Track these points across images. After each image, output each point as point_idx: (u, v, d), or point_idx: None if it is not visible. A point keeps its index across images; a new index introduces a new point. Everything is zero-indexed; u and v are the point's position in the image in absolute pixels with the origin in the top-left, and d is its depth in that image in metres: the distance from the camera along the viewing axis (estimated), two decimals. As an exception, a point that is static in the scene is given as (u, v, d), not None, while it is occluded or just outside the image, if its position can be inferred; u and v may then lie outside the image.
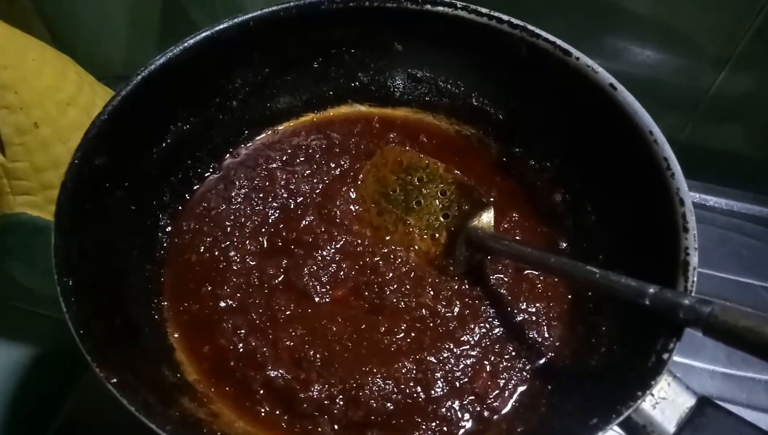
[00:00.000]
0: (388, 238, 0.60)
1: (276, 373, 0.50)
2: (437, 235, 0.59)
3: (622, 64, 0.78)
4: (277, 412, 0.49)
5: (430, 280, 0.56)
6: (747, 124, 0.81)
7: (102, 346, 0.41)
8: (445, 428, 0.48)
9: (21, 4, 0.89)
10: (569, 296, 0.56)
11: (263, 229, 0.60)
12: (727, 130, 0.82)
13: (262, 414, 0.49)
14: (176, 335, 0.53)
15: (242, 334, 0.52)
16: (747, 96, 0.77)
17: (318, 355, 0.51)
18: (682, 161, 0.50)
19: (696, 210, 0.47)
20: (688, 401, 0.40)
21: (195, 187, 0.63)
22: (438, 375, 0.50)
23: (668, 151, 0.50)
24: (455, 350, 0.52)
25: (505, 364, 0.51)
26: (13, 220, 0.62)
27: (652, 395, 0.40)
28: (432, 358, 0.51)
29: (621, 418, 0.38)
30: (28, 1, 0.89)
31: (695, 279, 0.43)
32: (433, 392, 0.50)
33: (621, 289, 0.43)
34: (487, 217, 0.57)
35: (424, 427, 0.48)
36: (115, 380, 0.39)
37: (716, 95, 0.78)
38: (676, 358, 0.62)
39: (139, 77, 0.55)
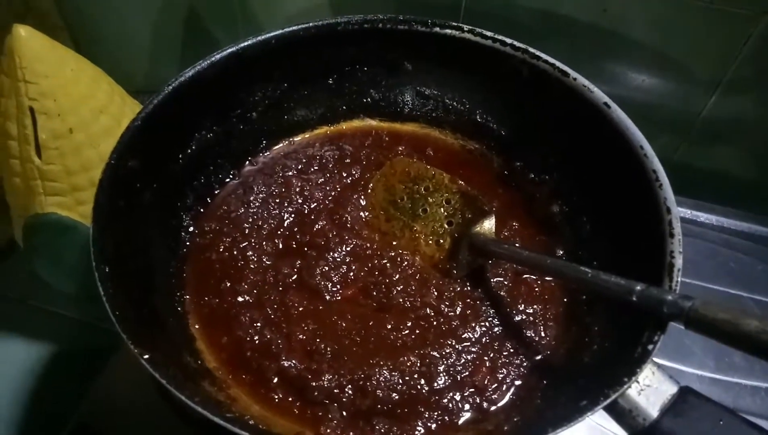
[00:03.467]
0: (395, 242, 0.63)
1: (289, 363, 0.53)
2: (442, 241, 0.62)
3: (619, 88, 0.82)
4: (290, 399, 0.52)
5: (434, 281, 0.59)
6: (736, 146, 0.84)
7: (134, 328, 0.45)
8: (446, 417, 0.51)
9: (51, 19, 0.94)
10: (565, 299, 0.59)
11: (279, 232, 0.63)
12: (717, 152, 0.85)
13: (276, 400, 0.52)
14: (197, 326, 0.56)
15: (258, 327, 0.55)
16: (736, 119, 0.81)
17: (329, 348, 0.54)
18: (675, 180, 0.53)
19: (687, 225, 0.50)
20: (671, 389, 0.43)
21: (216, 191, 0.67)
22: (440, 369, 0.53)
23: (657, 164, 0.53)
24: (457, 346, 0.55)
25: (503, 360, 0.54)
26: (43, 220, 0.65)
27: (638, 383, 0.43)
28: (435, 353, 0.54)
29: (608, 401, 0.41)
30: (58, 17, 0.94)
31: (679, 279, 0.47)
32: (435, 384, 0.53)
33: (611, 287, 0.46)
34: (488, 224, 0.60)
35: (426, 416, 0.51)
36: (147, 356, 0.42)
37: (707, 118, 0.82)
38: (665, 362, 0.67)
39: (170, 88, 0.59)
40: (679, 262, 0.47)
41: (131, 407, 0.66)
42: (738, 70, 0.76)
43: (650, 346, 0.43)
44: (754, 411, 0.63)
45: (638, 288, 0.45)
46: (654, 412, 0.42)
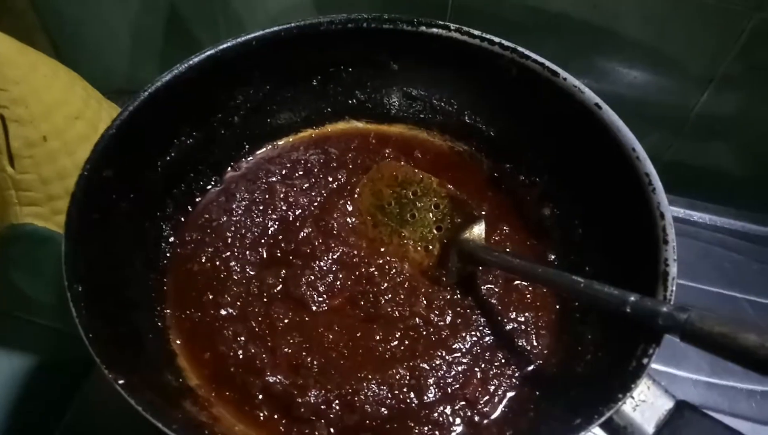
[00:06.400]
0: (383, 249, 0.61)
1: (274, 378, 0.51)
2: (430, 247, 0.61)
3: (610, 85, 0.81)
4: (276, 416, 0.50)
5: (423, 290, 0.58)
6: (730, 143, 0.83)
7: (109, 350, 0.43)
8: (437, 432, 0.50)
9: (27, 18, 0.91)
10: (557, 306, 0.58)
11: (263, 240, 0.61)
12: (710, 149, 0.84)
13: (261, 418, 0.50)
14: (178, 342, 0.54)
15: (242, 341, 0.54)
16: (729, 115, 0.80)
17: (315, 362, 0.52)
18: (667, 178, 0.52)
19: (680, 225, 0.49)
20: (667, 404, 0.42)
21: (197, 199, 0.64)
22: (430, 381, 0.52)
23: (650, 168, 0.52)
24: (447, 357, 0.53)
25: (495, 371, 0.53)
26: (19, 231, 0.64)
27: (633, 398, 0.42)
28: (425, 365, 0.53)
29: (603, 419, 0.40)
30: (34, 16, 0.92)
31: (674, 288, 0.46)
32: (425, 398, 0.51)
33: (604, 298, 0.45)
34: (478, 230, 0.59)
35: (417, 431, 0.50)
36: (122, 381, 0.41)
37: (700, 114, 0.81)
38: (660, 367, 0.65)
39: (146, 93, 0.56)
40: (673, 270, 0.46)
41: (116, 418, 0.65)
42: (731, 65, 0.75)
43: (645, 360, 0.42)
44: (750, 415, 0.62)
45: (632, 299, 0.43)
46: (650, 428, 0.41)
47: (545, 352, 0.55)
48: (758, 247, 0.76)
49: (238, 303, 0.57)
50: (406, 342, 0.54)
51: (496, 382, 0.53)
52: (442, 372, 0.53)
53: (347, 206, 0.64)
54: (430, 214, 0.62)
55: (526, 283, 0.59)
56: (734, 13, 0.70)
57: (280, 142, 0.71)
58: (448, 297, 0.58)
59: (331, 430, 0.50)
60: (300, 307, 0.56)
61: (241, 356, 0.53)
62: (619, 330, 0.48)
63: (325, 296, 0.57)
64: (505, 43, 0.62)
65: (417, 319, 0.56)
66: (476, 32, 0.63)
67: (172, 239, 0.61)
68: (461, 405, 0.51)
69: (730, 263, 0.74)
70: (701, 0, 0.69)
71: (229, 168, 0.68)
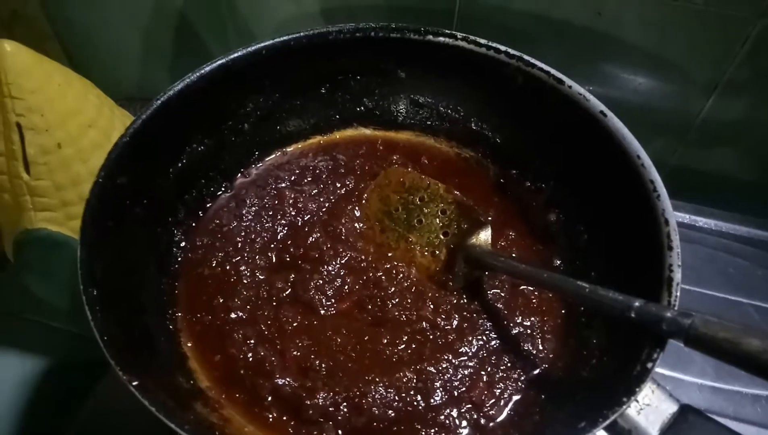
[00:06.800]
0: (390, 254, 0.62)
1: (283, 381, 0.52)
2: (437, 252, 0.62)
3: (615, 91, 0.81)
4: (285, 418, 0.51)
5: (430, 294, 0.58)
6: (735, 148, 0.83)
7: (123, 353, 0.44)
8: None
9: (39, 26, 0.93)
10: (563, 311, 0.58)
11: (272, 245, 0.62)
12: (716, 154, 0.84)
13: (270, 419, 0.51)
14: (189, 344, 0.55)
15: (252, 344, 0.55)
16: (735, 121, 0.80)
17: (323, 365, 0.53)
18: (672, 184, 0.52)
19: (686, 230, 0.49)
20: (671, 408, 0.42)
21: (208, 205, 0.66)
22: (437, 384, 0.53)
23: (654, 174, 0.52)
24: (454, 361, 0.54)
25: (501, 374, 0.54)
26: (34, 236, 0.65)
27: (637, 401, 0.42)
28: (431, 369, 0.53)
29: (607, 422, 0.40)
30: (47, 24, 0.93)
31: (678, 294, 0.46)
32: (432, 400, 0.52)
33: (608, 303, 0.45)
34: (484, 235, 0.60)
35: (423, 433, 0.50)
36: (136, 383, 0.41)
37: (705, 120, 0.81)
38: (665, 371, 0.66)
39: (158, 102, 0.57)
40: (678, 275, 0.47)
41: (128, 420, 0.65)
42: (735, 72, 0.75)
43: (649, 364, 0.43)
44: (755, 420, 0.62)
45: (636, 304, 0.44)
46: (654, 432, 0.42)
47: (551, 356, 0.55)
48: (763, 253, 0.76)
49: (248, 306, 0.58)
50: (413, 345, 0.55)
51: (502, 385, 0.53)
52: (449, 375, 0.53)
53: (355, 212, 0.65)
54: (437, 219, 0.63)
55: (531, 288, 0.59)
56: (739, 19, 0.70)
57: (289, 149, 0.72)
58: (455, 301, 0.58)
59: (339, 432, 0.50)
60: (308, 311, 0.57)
61: (250, 359, 0.54)
62: (624, 335, 0.48)
63: (333, 300, 0.58)
64: (511, 51, 0.63)
65: (424, 323, 0.57)
66: (482, 41, 0.64)
67: (183, 244, 0.62)
68: (467, 408, 0.52)
69: (735, 268, 0.74)
70: (704, 8, 0.70)
71: (239, 174, 0.69)
